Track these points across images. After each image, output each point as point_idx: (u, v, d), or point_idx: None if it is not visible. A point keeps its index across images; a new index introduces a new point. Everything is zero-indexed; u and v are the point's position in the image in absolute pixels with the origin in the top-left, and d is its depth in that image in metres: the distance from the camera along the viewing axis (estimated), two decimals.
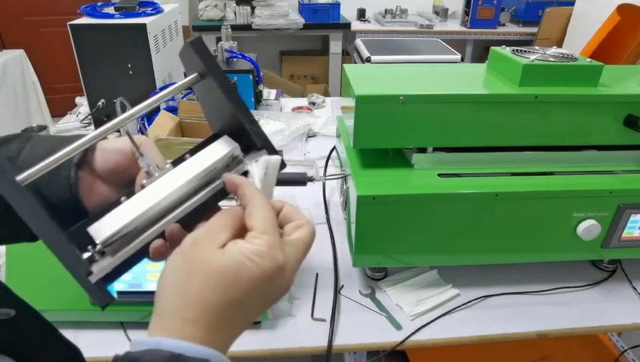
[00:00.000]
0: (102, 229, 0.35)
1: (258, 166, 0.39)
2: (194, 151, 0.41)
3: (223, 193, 0.39)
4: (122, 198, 0.38)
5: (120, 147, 0.43)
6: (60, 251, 0.33)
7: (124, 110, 0.39)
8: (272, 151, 0.40)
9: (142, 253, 0.36)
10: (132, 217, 0.36)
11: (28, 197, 0.34)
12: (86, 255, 0.35)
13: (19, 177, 0.35)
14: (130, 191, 0.39)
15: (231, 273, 0.32)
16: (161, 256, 0.37)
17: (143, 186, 0.38)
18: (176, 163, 0.40)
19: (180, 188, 0.38)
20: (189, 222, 0.38)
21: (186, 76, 0.42)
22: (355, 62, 2.52)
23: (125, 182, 0.43)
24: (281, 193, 1.15)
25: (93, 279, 0.34)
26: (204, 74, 0.40)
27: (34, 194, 0.35)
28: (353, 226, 0.81)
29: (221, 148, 0.40)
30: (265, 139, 0.40)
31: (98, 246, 0.35)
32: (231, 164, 0.40)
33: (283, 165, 0.40)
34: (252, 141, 0.40)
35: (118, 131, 0.40)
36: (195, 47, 0.38)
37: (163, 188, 0.37)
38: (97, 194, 0.44)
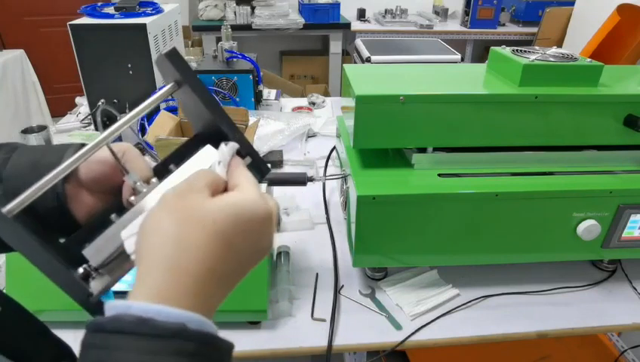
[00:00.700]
0: (97, 252, 0.36)
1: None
2: (175, 156, 0.41)
3: None
4: (112, 216, 0.38)
5: (102, 157, 0.43)
6: (59, 279, 0.35)
7: (108, 120, 0.39)
8: (257, 158, 0.40)
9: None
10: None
11: (16, 228, 0.34)
12: (81, 270, 0.36)
13: (4, 209, 0.35)
14: (118, 206, 0.40)
15: (230, 218, 0.32)
16: None
17: (130, 203, 0.38)
18: (160, 174, 0.40)
19: None
20: None
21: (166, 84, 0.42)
22: (355, 62, 2.52)
23: (110, 190, 0.43)
24: (282, 193, 1.16)
25: (93, 300, 0.35)
26: (181, 82, 0.40)
27: (20, 212, 0.35)
28: (353, 226, 0.81)
29: (206, 160, 0.39)
30: (249, 146, 0.40)
31: (95, 268, 0.36)
32: None
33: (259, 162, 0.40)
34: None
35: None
36: (171, 58, 0.38)
37: (152, 204, 0.38)
38: (82, 203, 0.44)
